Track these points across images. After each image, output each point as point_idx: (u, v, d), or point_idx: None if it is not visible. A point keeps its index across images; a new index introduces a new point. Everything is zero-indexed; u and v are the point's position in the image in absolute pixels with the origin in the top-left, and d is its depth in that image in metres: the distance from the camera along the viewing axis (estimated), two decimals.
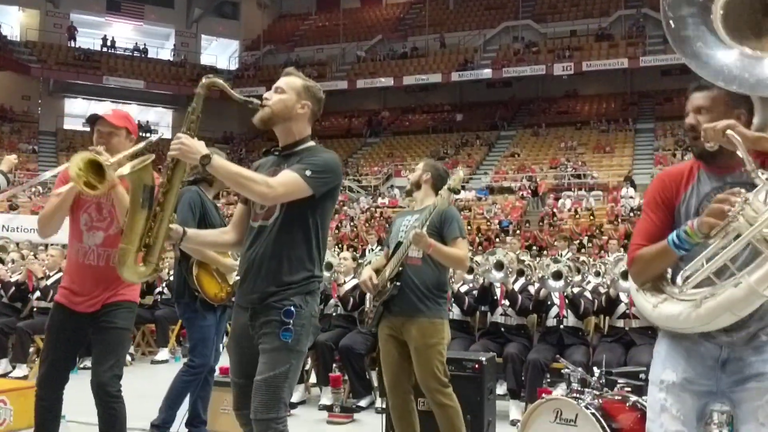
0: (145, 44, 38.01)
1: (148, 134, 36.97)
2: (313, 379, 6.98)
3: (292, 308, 2.85)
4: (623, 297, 5.91)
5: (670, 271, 2.42)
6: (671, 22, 2.32)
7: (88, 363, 8.24)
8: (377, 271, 4.33)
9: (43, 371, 3.63)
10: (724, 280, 2.19)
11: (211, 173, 2.82)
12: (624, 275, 5.61)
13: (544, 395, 4.42)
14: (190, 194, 4.52)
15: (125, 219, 2.86)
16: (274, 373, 2.81)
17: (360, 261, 7.67)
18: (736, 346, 2.32)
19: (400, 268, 4.16)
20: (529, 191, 25.87)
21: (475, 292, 6.67)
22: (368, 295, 4.57)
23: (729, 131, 2.20)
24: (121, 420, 3.58)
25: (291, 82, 3.04)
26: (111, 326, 3.58)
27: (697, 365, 2.39)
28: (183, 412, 4.82)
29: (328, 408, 6.12)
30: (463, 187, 27.38)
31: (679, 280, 2.29)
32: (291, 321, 2.83)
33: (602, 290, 6.40)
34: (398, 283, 4.14)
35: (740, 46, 2.25)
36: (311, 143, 3.08)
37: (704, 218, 2.21)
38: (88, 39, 36.55)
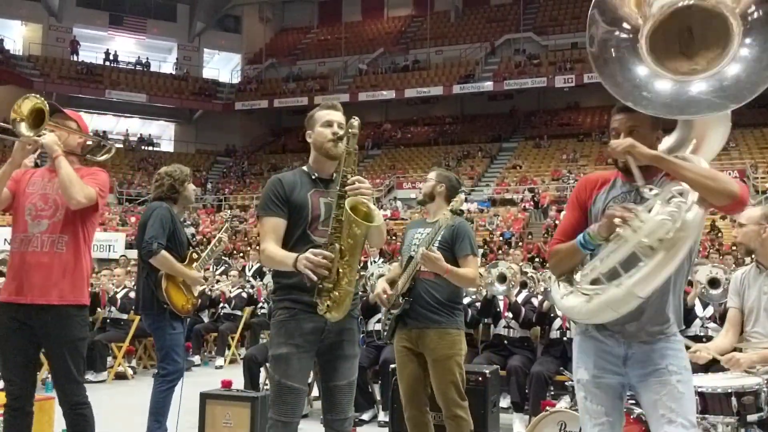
0: (147, 58, 38.14)
1: (150, 147, 36.74)
2: (315, 392, 6.95)
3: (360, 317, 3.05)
4: None
5: (580, 266, 2.65)
6: (594, 43, 2.51)
7: (89, 377, 8.24)
8: (392, 283, 4.31)
9: (5, 382, 3.53)
10: (612, 281, 2.43)
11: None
12: None
13: (548, 408, 4.40)
14: (161, 210, 4.65)
15: (347, 261, 2.91)
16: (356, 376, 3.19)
17: (362, 273, 7.65)
18: (633, 341, 2.60)
19: (412, 283, 4.16)
20: (532, 203, 25.85)
21: (478, 305, 6.65)
22: (383, 309, 4.52)
23: (629, 151, 2.50)
24: (92, 421, 3.56)
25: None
26: (65, 339, 3.48)
27: (604, 362, 2.66)
28: (175, 420, 4.79)
29: None
30: (466, 200, 27.42)
31: (578, 276, 2.56)
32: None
33: None
34: (410, 299, 4.14)
35: (664, 69, 2.43)
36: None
37: (599, 224, 2.51)
38: (90, 53, 36.69)
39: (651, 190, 2.47)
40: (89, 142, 3.82)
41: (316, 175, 3.23)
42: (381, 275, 5.48)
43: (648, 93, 2.43)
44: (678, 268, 2.47)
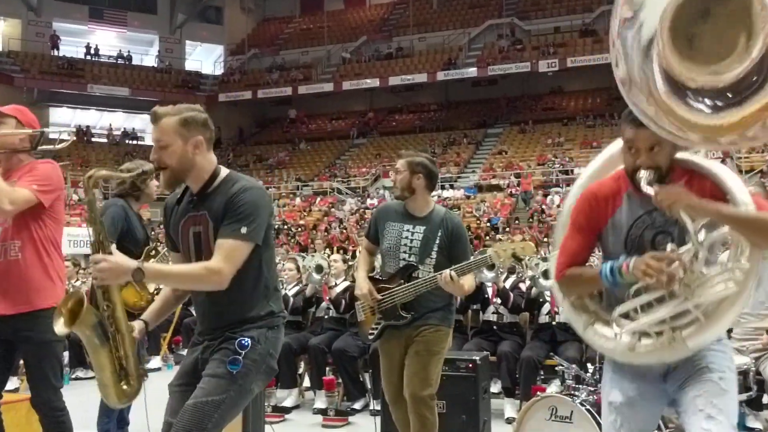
0: (129, 51, 37.78)
1: (134, 141, 36.36)
2: (306, 383, 6.96)
3: (248, 340, 2.67)
4: None
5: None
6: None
7: (79, 373, 8.22)
8: (371, 278, 4.14)
9: None
10: (659, 335, 2.28)
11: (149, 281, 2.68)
12: None
13: (538, 393, 4.42)
14: (114, 208, 4.51)
15: (91, 359, 2.70)
16: (205, 399, 2.60)
17: (351, 263, 7.65)
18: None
19: (413, 298, 3.96)
20: (517, 188, 25.92)
21: None
22: (359, 303, 4.25)
23: (683, 208, 2.25)
24: (70, 428, 3.50)
25: (167, 127, 2.68)
26: (37, 341, 3.37)
27: (641, 383, 2.48)
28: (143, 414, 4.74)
29: (323, 412, 6.09)
30: (452, 186, 27.45)
31: (615, 313, 2.36)
32: (240, 354, 2.65)
33: None
34: (414, 314, 3.96)
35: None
36: (223, 174, 2.78)
37: (640, 269, 2.25)
38: (71, 47, 36.29)
39: (701, 241, 2.26)
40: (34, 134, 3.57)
41: (192, 193, 2.83)
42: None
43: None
44: None
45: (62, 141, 3.72)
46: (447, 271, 3.83)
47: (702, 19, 2.04)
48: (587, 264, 2.55)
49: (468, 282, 3.98)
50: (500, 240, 13.16)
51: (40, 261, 3.41)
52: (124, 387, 2.72)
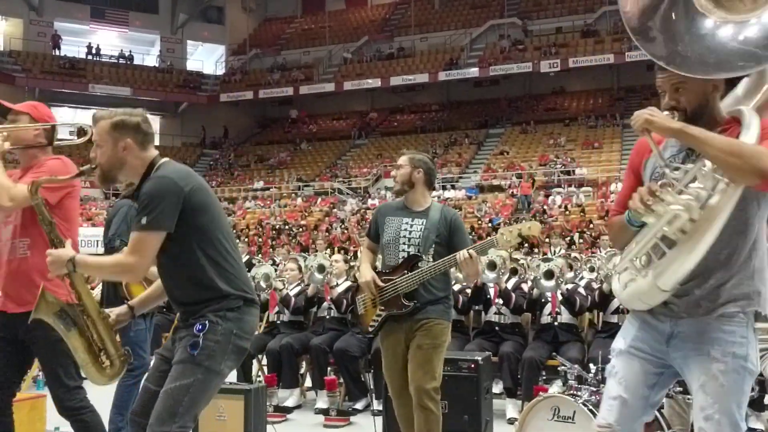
0: (130, 51, 37.81)
1: None
2: (308, 383, 6.95)
3: (205, 324, 2.74)
4: None
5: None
6: (638, 33, 2.31)
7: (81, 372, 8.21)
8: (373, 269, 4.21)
9: None
10: (641, 270, 2.28)
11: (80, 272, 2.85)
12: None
13: (540, 393, 4.41)
14: (124, 209, 4.57)
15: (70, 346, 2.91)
16: (174, 385, 2.70)
17: (352, 264, 7.65)
18: (682, 318, 2.35)
19: (416, 287, 4.00)
20: (518, 189, 25.92)
21: (468, 291, 6.65)
22: (361, 296, 4.31)
23: (645, 128, 2.28)
24: (95, 427, 3.48)
25: (100, 129, 2.88)
26: (45, 341, 3.32)
27: (647, 336, 2.44)
28: None
29: (324, 412, 6.09)
30: (453, 186, 27.44)
31: (617, 258, 2.46)
32: (200, 336, 2.73)
33: (595, 286, 6.40)
34: (416, 303, 4.00)
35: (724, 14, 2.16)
36: (158, 163, 2.90)
37: (631, 204, 2.28)
38: (72, 47, 36.36)
39: (677, 168, 2.24)
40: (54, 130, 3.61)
41: None
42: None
43: (684, 47, 2.19)
44: (739, 235, 2.29)
45: (82, 134, 3.67)
46: (464, 251, 3.89)
47: None
48: None
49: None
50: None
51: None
52: (106, 368, 2.92)
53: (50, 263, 2.77)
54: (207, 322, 2.74)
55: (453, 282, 6.62)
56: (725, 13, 2.15)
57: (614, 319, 5.96)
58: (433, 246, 4.03)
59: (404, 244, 4.08)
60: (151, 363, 5.23)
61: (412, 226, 4.10)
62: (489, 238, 4.08)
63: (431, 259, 4.02)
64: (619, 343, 2.51)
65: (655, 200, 2.19)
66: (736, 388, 2.28)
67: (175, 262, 2.81)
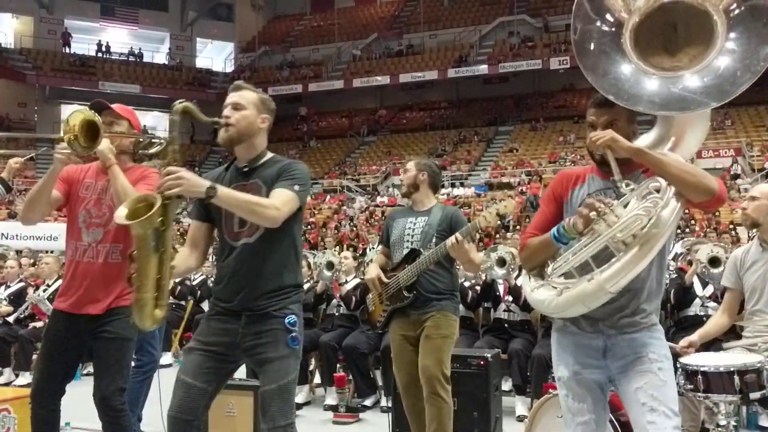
0: (140, 48, 37.94)
1: None
2: (317, 379, 6.97)
3: (294, 317, 2.86)
4: None
5: (552, 260, 2.62)
6: (577, 33, 2.55)
7: (91, 369, 8.24)
8: (383, 270, 4.32)
9: (37, 383, 3.49)
10: (584, 275, 2.41)
11: (218, 204, 2.72)
12: None
13: (550, 390, 4.40)
14: None
15: (135, 268, 2.66)
16: (287, 380, 2.84)
17: (361, 260, 7.65)
18: (611, 334, 2.57)
19: (416, 278, 4.14)
20: (528, 188, 25.84)
21: (478, 288, 6.64)
22: (370, 295, 4.50)
23: (609, 144, 2.47)
24: (130, 428, 3.49)
25: (247, 96, 3.01)
26: (112, 336, 3.42)
27: (584, 356, 2.62)
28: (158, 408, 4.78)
29: (334, 408, 6.10)
30: (462, 184, 27.41)
31: (549, 269, 2.54)
32: (296, 329, 2.84)
33: None
34: (416, 293, 4.14)
35: (647, 65, 2.47)
36: (270, 154, 3.06)
37: (575, 217, 2.47)
38: (82, 45, 36.49)
39: (627, 185, 2.44)
40: (141, 139, 3.72)
41: (239, 165, 3.04)
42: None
43: (631, 88, 2.44)
44: (657, 261, 2.49)
45: (159, 146, 3.63)
46: (452, 237, 4.02)
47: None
48: None
49: (476, 255, 4.28)
50: (510, 238, 13.15)
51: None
52: (157, 312, 2.72)
53: (184, 178, 2.59)
54: (294, 315, 2.86)
55: (462, 279, 6.66)
56: (652, 68, 2.47)
57: None
58: (434, 240, 4.16)
59: (408, 241, 4.25)
60: (160, 359, 5.24)
61: (415, 224, 4.28)
62: (471, 223, 4.19)
63: None
64: (562, 371, 2.68)
65: (607, 211, 2.38)
66: (671, 382, 2.56)
67: (275, 244, 2.86)
